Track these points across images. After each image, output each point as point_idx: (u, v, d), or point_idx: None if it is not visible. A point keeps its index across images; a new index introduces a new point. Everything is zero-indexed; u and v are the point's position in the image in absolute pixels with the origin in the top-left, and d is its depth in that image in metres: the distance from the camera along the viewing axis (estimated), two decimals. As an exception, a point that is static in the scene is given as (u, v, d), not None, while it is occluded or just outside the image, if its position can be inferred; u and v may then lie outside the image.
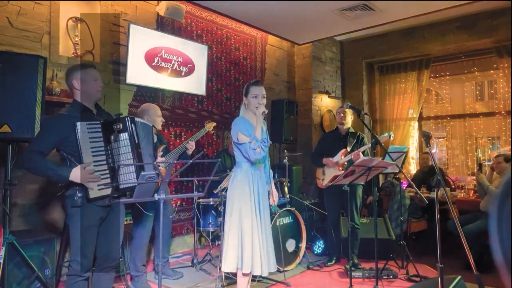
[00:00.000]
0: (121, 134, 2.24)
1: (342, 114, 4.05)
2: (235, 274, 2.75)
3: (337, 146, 4.03)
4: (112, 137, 2.23)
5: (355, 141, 4.03)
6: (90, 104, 2.35)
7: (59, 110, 3.40)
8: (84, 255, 2.23)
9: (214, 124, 4.02)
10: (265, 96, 2.69)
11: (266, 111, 2.63)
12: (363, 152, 3.87)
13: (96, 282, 2.37)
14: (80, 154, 2.17)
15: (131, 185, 2.21)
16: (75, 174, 2.12)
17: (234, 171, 2.73)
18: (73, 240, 2.26)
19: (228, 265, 2.57)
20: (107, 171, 2.25)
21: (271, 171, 2.91)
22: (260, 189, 2.67)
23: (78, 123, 2.16)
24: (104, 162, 2.24)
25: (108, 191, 2.22)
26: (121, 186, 2.23)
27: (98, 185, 2.20)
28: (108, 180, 2.23)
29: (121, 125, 2.23)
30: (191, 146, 3.59)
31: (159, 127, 3.52)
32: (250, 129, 2.61)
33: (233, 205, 2.61)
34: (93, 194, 2.18)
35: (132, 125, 2.29)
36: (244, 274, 2.57)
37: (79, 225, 2.22)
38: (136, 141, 2.30)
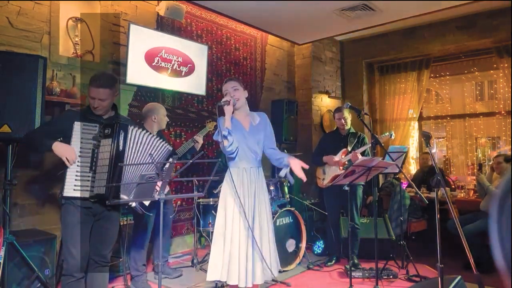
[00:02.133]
0: (106, 140, 2.23)
1: (342, 121, 4.03)
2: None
3: (337, 147, 4.03)
4: (93, 140, 2.26)
5: (355, 141, 4.03)
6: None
7: (59, 110, 3.42)
8: (70, 254, 2.24)
9: (215, 123, 4.05)
10: (236, 88, 2.52)
11: (229, 99, 2.43)
12: (363, 152, 3.87)
13: (90, 281, 2.38)
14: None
15: (102, 192, 2.19)
16: (57, 146, 2.20)
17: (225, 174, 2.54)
18: (62, 239, 2.32)
19: (210, 274, 2.35)
20: (89, 174, 2.24)
21: (281, 154, 2.56)
22: (256, 190, 2.44)
23: (76, 123, 2.25)
24: (88, 164, 2.25)
25: (85, 194, 2.22)
26: (94, 191, 2.21)
27: (75, 185, 2.22)
28: (87, 183, 2.23)
29: (109, 130, 2.23)
30: (199, 140, 3.73)
31: (164, 127, 3.56)
32: (233, 126, 2.45)
33: (220, 210, 2.46)
34: (67, 192, 2.21)
35: (122, 132, 2.23)
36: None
37: (63, 224, 2.29)
38: (121, 148, 2.23)
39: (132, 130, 2.30)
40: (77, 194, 2.22)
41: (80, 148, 2.24)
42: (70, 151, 2.20)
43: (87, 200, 2.25)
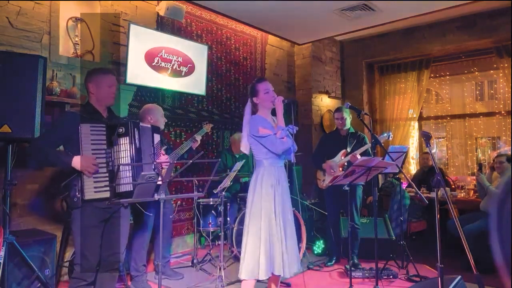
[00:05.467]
0: (122, 138, 2.24)
1: (340, 121, 4.03)
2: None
3: (337, 147, 4.02)
4: (112, 139, 2.25)
5: (355, 141, 4.03)
6: (101, 108, 2.39)
7: (59, 110, 3.42)
8: (85, 256, 2.23)
9: (211, 125, 4.07)
10: (273, 90, 2.65)
11: (286, 100, 2.59)
12: (364, 152, 3.86)
13: (100, 282, 2.37)
14: (81, 155, 2.19)
15: (128, 189, 2.20)
16: (77, 161, 2.16)
17: (255, 172, 2.58)
18: (75, 242, 2.28)
19: (246, 272, 2.42)
20: (106, 174, 2.24)
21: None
22: (284, 188, 2.56)
23: (82, 125, 2.20)
24: (104, 165, 2.24)
25: (105, 194, 2.22)
26: (118, 190, 2.21)
27: (95, 187, 2.20)
28: (106, 183, 2.23)
29: (123, 129, 2.25)
30: (198, 139, 3.74)
31: (162, 127, 3.56)
32: (269, 125, 2.53)
33: (256, 209, 2.47)
34: (88, 195, 2.18)
35: (135, 129, 2.29)
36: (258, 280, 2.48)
37: (80, 227, 2.24)
38: (138, 146, 2.29)
39: (142, 126, 2.36)
40: (99, 195, 2.20)
41: (92, 150, 2.22)
42: (91, 164, 2.16)
43: (107, 200, 2.23)
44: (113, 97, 2.41)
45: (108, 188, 2.22)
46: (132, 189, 2.21)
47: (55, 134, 2.30)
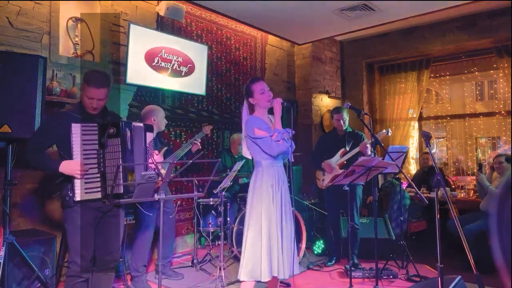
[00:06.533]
0: (114, 139, 2.21)
1: (341, 122, 4.03)
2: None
3: (336, 146, 4.03)
4: (102, 141, 2.23)
5: (353, 140, 4.03)
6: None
7: (60, 110, 3.41)
8: (81, 254, 2.23)
9: (211, 127, 4.07)
10: (269, 89, 2.60)
11: (285, 103, 2.54)
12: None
13: (96, 282, 2.37)
14: (71, 155, 2.18)
15: (120, 191, 2.20)
16: (65, 166, 2.16)
17: (254, 172, 2.55)
18: (69, 240, 2.28)
19: (246, 274, 2.41)
20: (98, 175, 2.23)
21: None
22: (284, 189, 2.54)
23: (74, 124, 2.18)
24: (95, 166, 2.23)
25: (96, 195, 2.22)
26: (109, 192, 2.20)
27: (86, 189, 2.19)
28: (97, 184, 2.22)
29: (114, 129, 2.22)
30: (196, 143, 3.72)
31: (163, 128, 3.56)
32: (265, 126, 2.48)
33: (256, 210, 2.45)
34: (79, 196, 2.18)
35: (127, 130, 2.27)
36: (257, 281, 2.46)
37: (73, 226, 2.24)
38: (129, 147, 2.26)
39: (134, 126, 2.34)
40: (90, 196, 2.20)
41: (84, 150, 2.20)
42: (78, 166, 2.15)
43: (97, 201, 2.23)
44: (94, 109, 2.30)
45: (99, 189, 2.21)
46: (122, 191, 2.19)
47: (44, 136, 2.28)
